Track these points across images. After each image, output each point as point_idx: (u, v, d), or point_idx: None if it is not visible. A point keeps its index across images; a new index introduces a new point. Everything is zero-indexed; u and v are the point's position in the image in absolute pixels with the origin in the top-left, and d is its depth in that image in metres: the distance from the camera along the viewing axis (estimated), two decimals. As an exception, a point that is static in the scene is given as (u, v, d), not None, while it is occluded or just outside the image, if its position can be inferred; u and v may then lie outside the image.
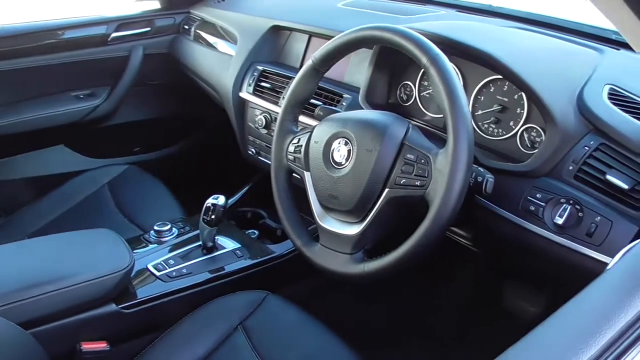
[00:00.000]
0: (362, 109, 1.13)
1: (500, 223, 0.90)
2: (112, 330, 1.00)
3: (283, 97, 1.32)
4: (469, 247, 1.08)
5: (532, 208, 0.85)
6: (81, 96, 1.68)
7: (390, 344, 1.40)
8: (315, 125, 0.95)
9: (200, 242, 1.20)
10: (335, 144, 0.90)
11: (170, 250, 1.19)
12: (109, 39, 1.66)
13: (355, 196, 0.86)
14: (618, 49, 1.08)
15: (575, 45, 1.09)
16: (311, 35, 1.39)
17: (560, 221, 0.81)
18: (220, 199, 1.14)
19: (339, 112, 1.00)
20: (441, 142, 0.85)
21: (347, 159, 0.88)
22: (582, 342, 0.43)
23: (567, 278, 0.89)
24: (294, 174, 1.00)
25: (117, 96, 1.72)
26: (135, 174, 1.58)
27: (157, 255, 1.17)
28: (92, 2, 1.84)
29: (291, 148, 0.98)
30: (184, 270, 1.13)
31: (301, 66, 1.39)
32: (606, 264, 0.75)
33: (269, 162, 1.05)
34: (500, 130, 1.01)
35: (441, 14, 1.38)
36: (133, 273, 1.03)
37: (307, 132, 0.96)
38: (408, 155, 0.83)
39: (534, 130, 0.96)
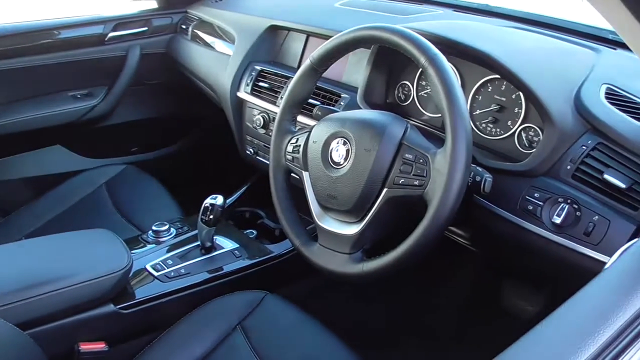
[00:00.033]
0: (360, 108, 1.13)
1: (499, 222, 0.90)
2: (110, 331, 1.00)
3: (281, 97, 1.32)
4: (468, 246, 1.08)
5: (530, 207, 0.86)
6: (78, 96, 1.67)
7: (389, 343, 1.40)
8: (314, 125, 0.95)
9: (199, 242, 1.20)
10: (333, 144, 0.90)
11: (169, 251, 1.19)
12: (106, 39, 1.65)
13: (354, 196, 0.86)
14: (615, 49, 1.09)
15: (572, 45, 1.09)
16: (309, 35, 1.39)
17: (558, 220, 0.81)
18: (219, 199, 1.14)
19: (337, 111, 1.00)
20: (439, 141, 0.85)
21: (345, 159, 0.88)
22: (581, 341, 0.43)
23: (565, 277, 0.89)
24: (292, 174, 1.00)
25: (114, 96, 1.72)
26: (133, 174, 1.58)
27: (155, 256, 1.17)
28: (90, 1, 1.84)
29: (289, 148, 0.98)
30: (182, 271, 1.13)
31: (299, 66, 1.39)
32: (604, 263, 0.76)
33: (267, 162, 1.04)
34: (498, 130, 1.01)
35: (439, 14, 1.39)
36: (131, 273, 1.03)
37: (306, 132, 0.96)
38: (406, 155, 0.83)
39: (532, 130, 0.96)
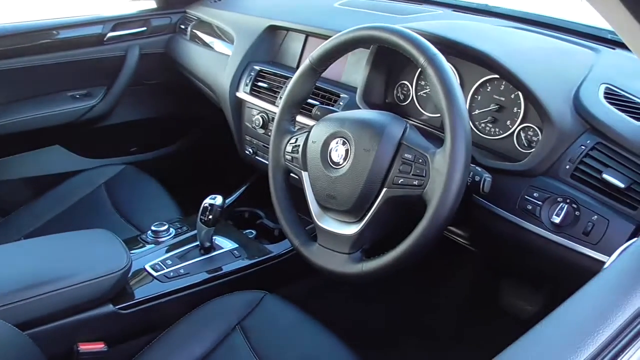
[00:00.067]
0: (360, 108, 1.13)
1: (498, 222, 0.90)
2: (109, 331, 1.00)
3: (280, 97, 1.32)
4: (467, 246, 1.08)
5: (530, 207, 0.86)
6: (77, 96, 1.67)
7: (389, 343, 1.40)
8: (313, 125, 0.95)
9: (198, 242, 1.20)
10: (333, 144, 0.90)
11: (168, 251, 1.19)
12: (105, 39, 1.65)
13: (353, 196, 0.86)
14: (614, 49, 1.09)
15: (571, 44, 1.09)
16: (308, 35, 1.39)
17: (557, 220, 0.82)
18: (218, 199, 1.14)
19: (336, 111, 1.00)
20: (438, 141, 0.85)
21: (344, 159, 0.88)
22: (581, 340, 0.43)
23: (565, 277, 0.89)
24: (291, 174, 1.00)
25: (113, 96, 1.72)
26: (132, 174, 1.58)
27: (154, 256, 1.17)
28: (88, 1, 1.84)
29: (289, 148, 0.98)
30: (182, 271, 1.13)
31: (298, 66, 1.39)
32: (603, 263, 0.76)
33: (266, 162, 1.04)
34: (497, 130, 1.01)
35: (438, 14, 1.39)
36: (130, 273, 1.02)
37: (305, 132, 0.96)
38: (406, 155, 0.83)
39: (531, 130, 0.96)
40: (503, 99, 1.00)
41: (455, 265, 1.49)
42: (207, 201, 1.13)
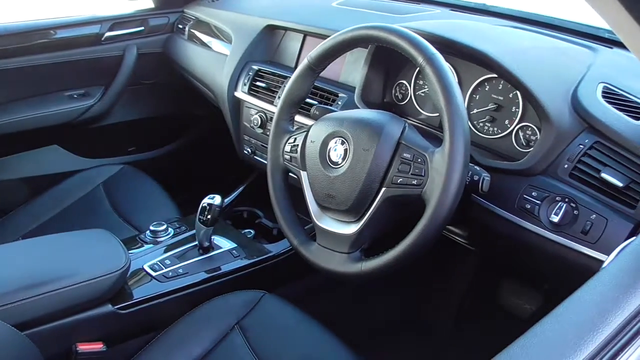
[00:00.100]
0: (358, 108, 1.13)
1: (497, 221, 0.90)
2: (108, 331, 1.00)
3: (278, 97, 1.32)
4: (466, 245, 1.09)
5: (528, 206, 0.86)
6: (75, 96, 1.67)
7: (387, 342, 1.40)
8: (312, 125, 0.95)
9: (197, 242, 1.19)
10: (331, 144, 0.90)
11: (166, 251, 1.19)
12: (102, 39, 1.65)
13: (352, 195, 0.86)
14: (611, 48, 1.09)
15: (569, 44, 1.09)
16: (306, 34, 1.39)
17: (555, 219, 0.82)
18: (217, 199, 1.14)
19: (334, 111, 1.00)
20: (436, 140, 0.85)
21: (343, 159, 0.88)
22: (580, 339, 0.43)
23: (563, 276, 0.89)
24: (290, 174, 1.00)
25: (111, 96, 1.72)
26: (130, 173, 1.58)
27: (153, 256, 1.16)
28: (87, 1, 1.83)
29: (287, 148, 0.98)
30: (180, 271, 1.13)
31: (296, 65, 1.39)
32: (602, 262, 0.76)
33: (265, 162, 1.04)
34: (495, 129, 1.02)
35: (435, 13, 1.39)
36: (129, 273, 1.02)
37: (303, 131, 0.96)
38: (404, 154, 0.83)
39: (529, 129, 0.96)
40: (501, 98, 1.00)
41: (454, 265, 1.49)
42: (206, 201, 1.13)
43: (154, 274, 1.11)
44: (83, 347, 0.95)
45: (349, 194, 0.86)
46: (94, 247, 1.02)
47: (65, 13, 1.63)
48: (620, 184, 0.78)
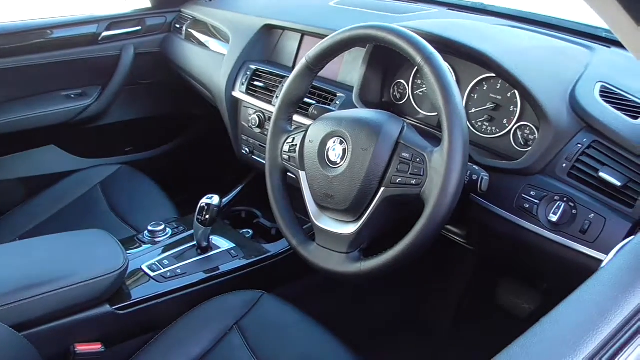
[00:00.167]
0: (356, 107, 1.13)
1: (495, 221, 0.90)
2: (106, 332, 0.99)
3: (277, 97, 1.32)
4: (465, 245, 1.09)
5: (527, 205, 0.86)
6: (72, 96, 1.67)
7: (386, 342, 1.40)
8: (310, 125, 0.95)
9: (195, 242, 1.19)
10: (330, 143, 0.90)
11: (165, 251, 1.19)
12: (99, 38, 1.64)
13: (351, 195, 0.86)
14: (609, 47, 1.09)
15: (567, 43, 1.09)
16: (304, 34, 1.39)
17: (554, 218, 0.82)
18: (215, 199, 1.13)
19: (333, 111, 1.00)
20: (435, 140, 0.85)
21: (342, 158, 0.88)
22: (580, 339, 0.43)
23: (562, 275, 0.89)
24: (288, 174, 1.00)
25: (108, 96, 1.71)
26: (127, 173, 1.57)
27: (151, 256, 1.16)
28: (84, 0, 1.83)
29: (286, 147, 0.98)
30: (179, 271, 1.13)
31: (294, 65, 1.39)
32: (600, 261, 0.76)
33: (263, 161, 1.04)
34: (494, 128, 1.02)
35: (433, 12, 1.39)
36: (127, 274, 1.02)
37: (302, 131, 0.96)
38: (403, 154, 0.83)
39: (528, 128, 0.96)
40: (499, 97, 1.00)
41: (453, 264, 1.49)
42: (204, 201, 1.13)
43: (152, 274, 1.11)
44: (81, 348, 0.95)
45: (348, 193, 0.86)
46: (92, 247, 1.02)
47: (62, 13, 1.62)
48: (618, 183, 0.78)
